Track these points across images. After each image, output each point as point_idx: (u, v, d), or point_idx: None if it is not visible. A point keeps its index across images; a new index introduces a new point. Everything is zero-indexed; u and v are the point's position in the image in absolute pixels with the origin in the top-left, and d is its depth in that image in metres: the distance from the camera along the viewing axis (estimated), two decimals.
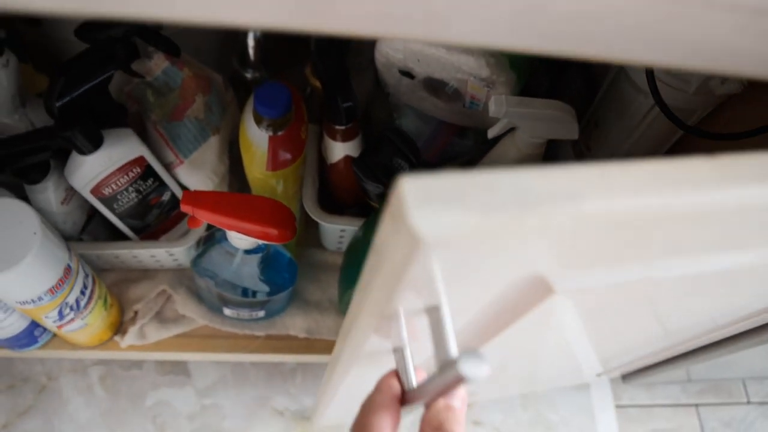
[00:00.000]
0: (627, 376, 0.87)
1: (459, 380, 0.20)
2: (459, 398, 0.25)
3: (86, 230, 0.61)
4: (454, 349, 0.21)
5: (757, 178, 0.18)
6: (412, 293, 0.21)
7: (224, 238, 0.51)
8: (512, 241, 0.18)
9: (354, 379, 0.36)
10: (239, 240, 0.49)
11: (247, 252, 0.52)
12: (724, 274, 0.30)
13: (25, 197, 0.56)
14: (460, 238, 0.16)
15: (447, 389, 0.22)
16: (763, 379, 0.94)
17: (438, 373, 0.21)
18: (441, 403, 0.25)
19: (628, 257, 0.24)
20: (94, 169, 0.50)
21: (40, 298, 0.48)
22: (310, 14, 0.15)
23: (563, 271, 0.24)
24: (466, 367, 0.19)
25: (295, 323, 0.68)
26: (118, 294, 0.67)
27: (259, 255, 0.53)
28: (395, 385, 0.26)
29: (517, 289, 0.25)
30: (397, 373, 0.27)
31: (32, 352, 0.65)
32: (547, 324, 0.38)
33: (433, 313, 0.23)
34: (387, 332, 0.27)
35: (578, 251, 0.21)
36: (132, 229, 0.60)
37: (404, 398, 0.26)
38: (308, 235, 0.71)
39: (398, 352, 0.28)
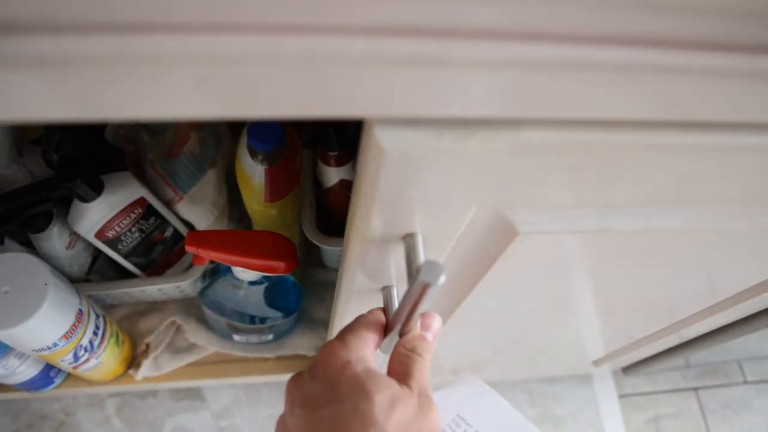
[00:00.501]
0: (627, 368, 0.89)
1: (425, 286, 0.23)
2: (432, 333, 0.29)
3: (93, 270, 0.63)
4: (421, 259, 0.25)
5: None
6: (389, 212, 0.24)
7: (229, 270, 0.53)
8: (465, 163, 0.21)
9: (353, 316, 0.39)
10: (244, 273, 0.50)
11: (252, 283, 0.53)
12: (682, 236, 0.33)
13: (29, 243, 0.58)
14: (418, 152, 0.20)
15: (417, 301, 0.25)
16: (758, 359, 0.97)
17: (408, 288, 0.25)
18: (416, 332, 0.29)
19: (580, 202, 0.27)
20: (97, 214, 0.51)
21: (55, 345, 0.49)
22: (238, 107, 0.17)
23: (524, 211, 0.27)
24: (428, 272, 0.23)
25: (303, 342, 0.70)
26: (128, 328, 0.69)
27: (264, 284, 0.54)
28: (382, 315, 0.31)
29: (485, 227, 0.28)
30: (384, 309, 0.31)
31: (48, 392, 0.66)
32: (541, 284, 0.41)
33: (408, 240, 0.27)
34: (375, 270, 0.31)
35: (531, 188, 0.25)
36: (137, 266, 0.61)
37: (387, 328, 0.30)
38: (310, 255, 0.72)
39: (385, 289, 0.33)
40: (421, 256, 0.26)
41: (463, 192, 0.24)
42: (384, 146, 0.19)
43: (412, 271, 0.25)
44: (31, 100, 0.16)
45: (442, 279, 0.23)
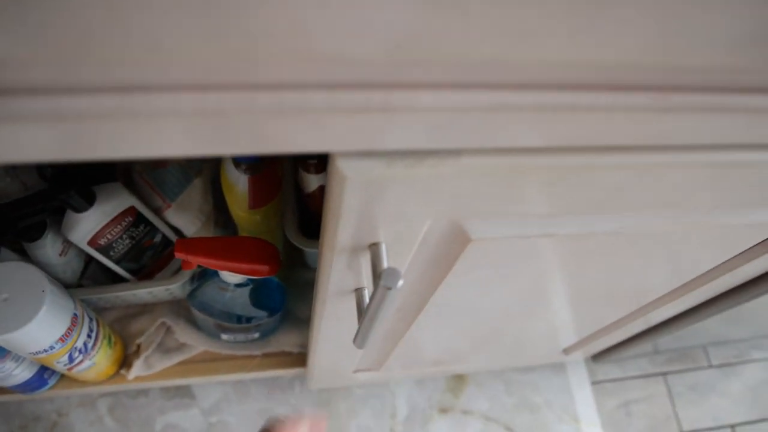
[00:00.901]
0: (597, 356, 0.94)
1: (386, 290, 0.27)
2: None
3: (85, 275, 0.65)
4: (384, 266, 0.29)
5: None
6: (354, 226, 0.28)
7: (216, 273, 0.56)
8: (416, 185, 0.25)
9: (329, 316, 0.44)
10: (231, 276, 0.53)
11: (238, 285, 0.56)
12: (622, 237, 0.37)
13: (23, 251, 0.60)
14: (374, 178, 0.24)
15: (381, 302, 0.29)
16: (721, 343, 1.02)
17: (373, 292, 0.29)
18: None
19: (523, 212, 0.31)
20: (90, 224, 0.54)
21: (51, 347, 0.52)
22: (204, 136, 0.20)
23: (475, 221, 0.31)
24: (388, 278, 0.27)
25: (288, 340, 0.73)
26: (120, 329, 0.72)
27: (250, 286, 0.58)
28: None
29: (441, 236, 0.32)
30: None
31: (42, 393, 0.69)
32: (502, 282, 0.45)
33: (374, 248, 0.31)
34: (347, 274, 0.35)
35: (478, 203, 0.29)
36: (128, 271, 0.64)
37: (360, 325, 0.34)
38: (293, 256, 0.76)
39: (358, 291, 0.37)
40: (384, 263, 0.30)
41: (416, 208, 0.28)
42: (345, 174, 0.23)
43: (376, 276, 0.29)
44: (47, 146, 0.20)
45: (400, 283, 0.27)
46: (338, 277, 0.35)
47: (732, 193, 0.33)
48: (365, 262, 0.33)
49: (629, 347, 0.83)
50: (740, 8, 0.19)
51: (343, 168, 0.23)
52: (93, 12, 0.15)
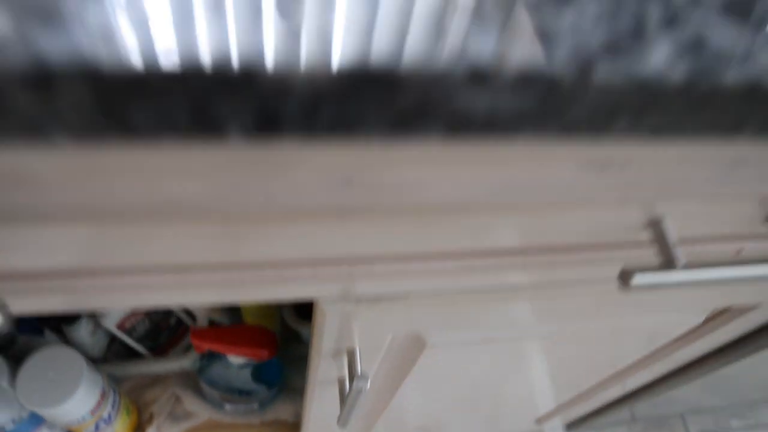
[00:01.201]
0: (574, 423, 1.00)
1: (359, 390, 0.36)
2: None
3: (110, 350, 0.75)
4: (357, 369, 0.39)
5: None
6: (334, 340, 0.38)
7: (224, 355, 0.66)
8: (376, 316, 0.36)
9: (319, 398, 0.53)
10: (235, 358, 0.63)
11: (241, 365, 0.66)
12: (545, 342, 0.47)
13: (60, 330, 0.70)
14: (346, 312, 0.34)
15: (356, 397, 0.38)
16: (699, 411, 1.06)
17: (349, 389, 0.38)
18: None
19: (466, 327, 0.41)
20: (119, 311, 0.65)
21: (84, 418, 0.62)
22: (229, 294, 0.31)
23: (429, 332, 0.41)
24: (362, 382, 0.36)
25: (285, 409, 0.82)
26: (135, 398, 0.81)
27: (252, 366, 0.67)
28: None
29: (402, 343, 0.42)
30: None
31: None
32: (461, 371, 0.54)
33: (350, 352, 0.40)
34: (331, 370, 0.44)
35: (428, 323, 0.38)
36: (146, 348, 0.74)
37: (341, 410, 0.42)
38: (289, 333, 0.86)
39: (340, 381, 0.46)
40: (358, 365, 0.40)
41: (380, 327, 0.38)
42: (325, 312, 0.34)
43: (351, 377, 0.39)
44: (100, 304, 0.31)
45: (368, 386, 0.37)
46: (324, 372, 0.45)
47: (632, 308, 0.43)
48: (345, 361, 0.43)
49: (605, 414, 0.88)
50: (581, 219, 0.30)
51: (324, 308, 0.34)
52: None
